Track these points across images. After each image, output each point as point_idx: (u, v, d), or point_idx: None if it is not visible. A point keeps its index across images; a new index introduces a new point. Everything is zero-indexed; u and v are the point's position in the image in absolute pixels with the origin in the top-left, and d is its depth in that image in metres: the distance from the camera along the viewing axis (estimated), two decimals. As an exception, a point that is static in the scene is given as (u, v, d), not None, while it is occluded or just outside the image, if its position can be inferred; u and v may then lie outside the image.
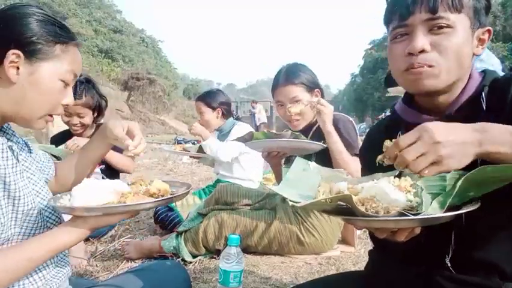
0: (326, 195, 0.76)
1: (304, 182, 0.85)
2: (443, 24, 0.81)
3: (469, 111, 0.82)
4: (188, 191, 0.97)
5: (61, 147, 2.16)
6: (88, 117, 2.30)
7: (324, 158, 1.71)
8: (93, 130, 2.42)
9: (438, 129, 0.66)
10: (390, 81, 4.60)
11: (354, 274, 1.21)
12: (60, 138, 2.42)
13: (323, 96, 1.95)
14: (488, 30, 0.86)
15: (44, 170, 1.06)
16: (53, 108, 0.90)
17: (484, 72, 0.88)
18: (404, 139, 0.67)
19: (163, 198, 0.88)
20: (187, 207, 2.47)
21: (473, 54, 0.85)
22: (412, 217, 0.66)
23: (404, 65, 0.85)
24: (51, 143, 2.39)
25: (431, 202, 0.70)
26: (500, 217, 0.78)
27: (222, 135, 2.89)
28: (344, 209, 0.75)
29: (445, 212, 0.68)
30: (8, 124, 0.95)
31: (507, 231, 0.79)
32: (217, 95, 2.89)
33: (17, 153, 0.92)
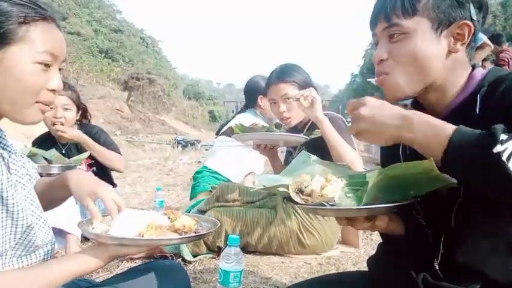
0: (295, 185, 0.85)
1: (299, 173, 0.91)
2: (397, 32, 0.83)
3: (463, 113, 0.81)
4: (213, 231, 0.98)
5: (49, 152, 2.12)
6: (72, 113, 2.27)
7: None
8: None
9: (369, 105, 0.76)
10: None
11: (352, 274, 1.21)
12: (42, 141, 2.40)
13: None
14: (465, 24, 0.80)
15: (31, 179, 1.02)
16: (37, 94, 0.81)
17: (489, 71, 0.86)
18: (349, 104, 0.81)
19: (185, 236, 0.89)
20: None
21: (450, 52, 0.82)
22: (327, 207, 0.78)
23: (376, 73, 0.89)
24: (33, 146, 2.35)
25: (352, 196, 0.82)
26: (488, 226, 0.77)
27: None
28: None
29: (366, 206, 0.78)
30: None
31: (494, 241, 0.77)
32: None
33: (8, 161, 0.86)
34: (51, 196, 1.04)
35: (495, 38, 5.00)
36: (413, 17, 0.81)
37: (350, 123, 0.81)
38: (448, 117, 0.83)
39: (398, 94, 0.86)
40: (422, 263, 0.87)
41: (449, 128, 0.69)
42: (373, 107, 0.76)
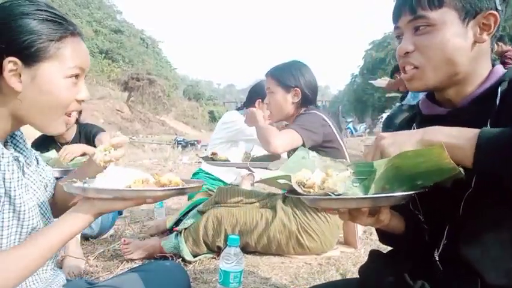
0: (296, 178, 0.84)
1: (299, 169, 0.90)
2: (423, 24, 0.82)
3: (482, 105, 0.80)
4: (202, 186, 0.95)
5: (48, 154, 2.11)
6: (74, 113, 2.24)
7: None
8: (75, 131, 2.40)
9: (384, 134, 0.78)
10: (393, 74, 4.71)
11: (345, 282, 1.20)
12: (42, 141, 2.40)
13: (303, 94, 2.06)
14: (491, 14, 0.79)
15: (47, 188, 1.02)
16: (67, 107, 0.85)
17: None
18: (366, 154, 0.82)
19: (173, 188, 0.85)
20: None
21: (476, 43, 0.81)
22: (332, 197, 0.75)
23: (400, 65, 0.89)
24: (33, 147, 2.36)
25: (359, 187, 0.79)
26: (496, 218, 0.77)
27: None
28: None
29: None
30: (22, 133, 0.92)
31: (499, 233, 0.77)
32: None
33: (23, 164, 0.88)
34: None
35: (498, 39, 5.00)
36: (440, 8, 0.80)
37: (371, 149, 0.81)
38: (465, 108, 0.83)
39: (422, 85, 0.86)
40: (421, 259, 0.87)
41: (473, 129, 0.69)
42: (389, 134, 0.78)
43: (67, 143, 2.38)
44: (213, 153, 2.29)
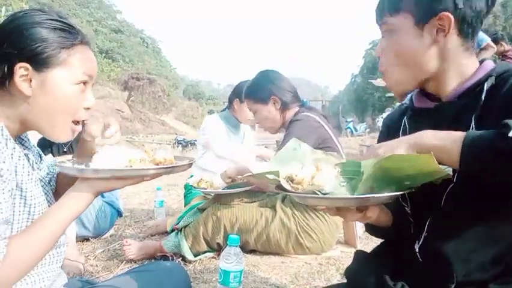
0: (285, 173, 0.85)
1: (290, 161, 0.91)
2: (386, 29, 0.87)
3: (467, 100, 0.82)
4: (192, 163, 0.96)
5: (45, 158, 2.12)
6: None
7: None
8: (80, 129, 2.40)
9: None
10: None
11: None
12: (46, 140, 2.39)
13: (281, 98, 2.10)
14: (444, 16, 0.80)
15: (51, 182, 1.04)
16: (75, 114, 0.88)
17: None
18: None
19: (167, 166, 0.88)
20: None
21: (436, 44, 0.83)
22: (320, 195, 0.77)
23: None
24: (39, 146, 2.37)
25: (346, 186, 0.81)
26: (474, 213, 0.78)
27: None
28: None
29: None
30: (26, 133, 0.94)
31: (476, 231, 0.78)
32: None
33: (33, 161, 0.91)
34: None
35: (500, 39, 5.00)
36: (398, 13, 0.84)
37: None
38: (451, 102, 0.86)
39: (398, 88, 0.91)
40: (405, 252, 0.90)
41: (460, 132, 0.71)
42: (383, 143, 0.81)
43: (69, 142, 2.39)
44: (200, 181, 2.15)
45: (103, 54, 31.53)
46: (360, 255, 1.07)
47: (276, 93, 2.09)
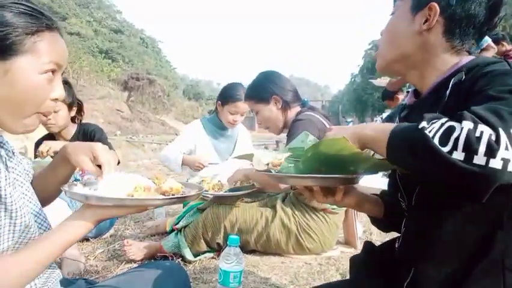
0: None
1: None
2: (395, 7, 0.93)
3: (436, 96, 0.83)
4: (200, 193, 0.95)
5: (46, 160, 2.05)
6: (63, 112, 2.23)
7: None
8: (75, 129, 2.39)
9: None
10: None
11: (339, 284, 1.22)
12: (42, 142, 2.39)
13: (282, 97, 2.10)
14: (432, 6, 0.83)
15: (28, 174, 1.00)
16: (40, 105, 0.81)
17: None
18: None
19: (173, 196, 0.86)
20: None
21: (421, 33, 0.85)
22: (273, 173, 0.91)
23: None
24: (36, 147, 2.34)
25: (293, 167, 0.90)
26: (437, 211, 0.78)
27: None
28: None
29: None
30: None
31: (439, 229, 0.77)
32: None
33: (5, 159, 0.86)
34: (55, 178, 1.00)
35: (501, 39, 5.00)
36: None
37: None
38: (424, 98, 0.89)
39: (380, 62, 0.96)
40: (393, 241, 0.94)
41: (393, 124, 0.75)
42: (336, 127, 0.92)
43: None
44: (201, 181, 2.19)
45: (103, 54, 31.54)
46: (368, 245, 1.10)
47: (277, 92, 2.09)
